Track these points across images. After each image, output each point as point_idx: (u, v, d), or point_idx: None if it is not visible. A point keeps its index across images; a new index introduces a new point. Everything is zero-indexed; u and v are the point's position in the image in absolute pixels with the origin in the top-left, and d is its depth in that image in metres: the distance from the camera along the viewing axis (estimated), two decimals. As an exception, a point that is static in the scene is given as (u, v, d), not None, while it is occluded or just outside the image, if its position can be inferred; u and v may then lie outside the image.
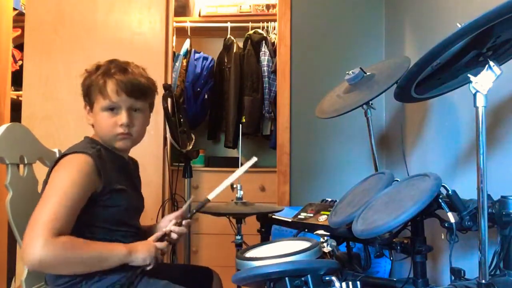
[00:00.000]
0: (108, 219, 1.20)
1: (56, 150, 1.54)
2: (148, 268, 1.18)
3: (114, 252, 1.13)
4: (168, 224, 1.32)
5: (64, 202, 1.08)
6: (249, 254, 1.10)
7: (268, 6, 3.33)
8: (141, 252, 1.17)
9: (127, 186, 1.27)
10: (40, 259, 1.00)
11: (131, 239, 1.24)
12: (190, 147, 1.96)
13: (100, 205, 1.18)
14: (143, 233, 1.35)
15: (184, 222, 1.33)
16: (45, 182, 1.17)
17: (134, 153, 1.37)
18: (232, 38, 3.38)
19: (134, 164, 1.43)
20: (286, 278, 0.94)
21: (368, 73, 1.63)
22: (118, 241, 1.20)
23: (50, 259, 1.02)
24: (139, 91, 1.26)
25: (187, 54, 3.38)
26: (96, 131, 1.28)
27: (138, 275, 1.19)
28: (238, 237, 1.61)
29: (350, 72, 1.64)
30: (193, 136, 2.01)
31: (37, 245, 1.00)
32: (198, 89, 3.38)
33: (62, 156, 1.17)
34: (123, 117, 1.23)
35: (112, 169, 1.22)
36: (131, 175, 1.37)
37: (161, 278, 1.27)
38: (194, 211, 1.38)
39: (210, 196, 1.32)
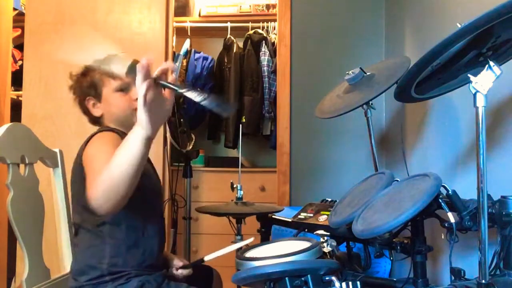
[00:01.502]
0: (136, 200, 1.11)
1: (57, 150, 1.54)
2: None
3: (130, 139, 1.00)
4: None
5: (104, 156, 1.08)
6: (249, 254, 1.11)
7: (268, 6, 3.33)
8: (147, 119, 0.98)
9: (149, 168, 1.36)
10: (98, 206, 0.98)
11: (157, 225, 1.32)
12: (190, 147, 1.97)
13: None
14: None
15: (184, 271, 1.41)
16: (79, 162, 1.22)
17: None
18: (232, 38, 3.39)
19: None
20: (286, 278, 0.94)
21: (368, 73, 1.63)
22: (146, 224, 1.26)
23: (101, 184, 0.97)
24: None
25: (187, 54, 3.38)
26: (110, 115, 1.33)
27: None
28: (238, 237, 1.62)
29: (350, 72, 1.64)
30: (193, 136, 2.01)
31: (93, 190, 0.98)
32: (198, 89, 3.37)
33: (89, 138, 1.24)
34: (135, 91, 1.23)
35: None
36: (149, 160, 1.40)
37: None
38: (189, 265, 1.44)
39: (206, 258, 1.35)
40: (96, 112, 1.35)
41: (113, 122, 1.34)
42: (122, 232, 1.24)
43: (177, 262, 1.43)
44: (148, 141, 0.99)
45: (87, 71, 1.35)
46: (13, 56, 2.84)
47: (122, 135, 1.26)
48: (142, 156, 0.99)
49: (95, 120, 1.38)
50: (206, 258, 1.33)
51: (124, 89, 1.32)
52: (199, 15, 3.39)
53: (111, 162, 0.99)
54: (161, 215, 1.41)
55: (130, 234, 1.24)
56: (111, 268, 1.21)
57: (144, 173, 1.25)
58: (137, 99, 1.07)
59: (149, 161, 1.43)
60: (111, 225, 1.23)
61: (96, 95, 1.34)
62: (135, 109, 1.16)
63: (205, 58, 3.43)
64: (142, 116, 0.97)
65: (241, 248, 1.39)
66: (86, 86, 1.34)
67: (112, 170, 0.98)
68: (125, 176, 0.98)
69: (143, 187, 1.19)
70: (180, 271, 1.40)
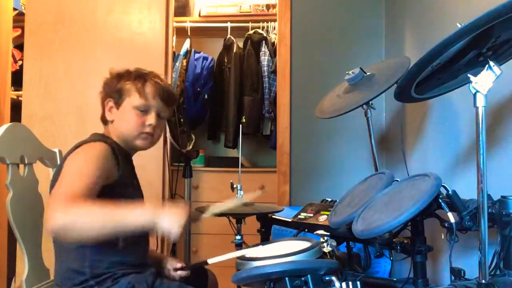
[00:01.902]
0: (114, 198, 1.12)
1: (56, 150, 1.53)
2: (172, 238, 1.04)
3: (134, 214, 1.03)
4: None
5: (84, 179, 1.07)
6: (249, 254, 1.10)
7: (268, 6, 3.33)
8: (165, 220, 1.02)
9: (134, 185, 1.34)
10: (63, 222, 0.97)
11: (141, 239, 1.28)
12: (190, 147, 1.96)
13: (116, 194, 1.16)
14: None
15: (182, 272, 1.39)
16: (60, 167, 1.18)
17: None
18: (232, 38, 3.38)
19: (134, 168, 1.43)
20: (286, 278, 0.94)
21: (368, 73, 1.63)
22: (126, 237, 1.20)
23: (71, 218, 0.97)
24: (171, 98, 1.36)
25: (187, 54, 3.38)
26: (119, 126, 1.31)
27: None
28: (238, 237, 1.61)
29: (350, 72, 1.64)
30: (193, 136, 2.01)
31: (58, 210, 0.97)
32: (198, 89, 3.38)
33: (78, 145, 1.20)
34: (152, 118, 1.31)
35: (124, 163, 1.25)
36: (135, 175, 1.40)
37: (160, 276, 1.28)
38: (190, 267, 1.42)
39: (210, 261, 1.33)
40: (109, 116, 1.32)
41: (116, 133, 1.31)
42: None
43: (173, 263, 1.40)
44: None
45: (122, 76, 1.33)
46: (13, 56, 2.84)
47: (116, 148, 1.25)
48: (129, 231, 1.03)
49: (104, 121, 1.36)
50: (210, 261, 1.31)
51: (143, 110, 1.30)
52: (199, 15, 3.39)
53: (107, 205, 1.01)
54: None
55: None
56: (95, 271, 1.16)
57: (133, 188, 1.27)
58: (150, 125, 1.29)
59: (132, 174, 1.38)
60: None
61: (117, 101, 1.31)
62: (143, 133, 1.30)
63: (205, 58, 3.43)
64: (168, 222, 1.04)
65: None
66: (114, 88, 1.32)
67: (93, 219, 1.00)
68: (107, 226, 1.02)
69: (133, 200, 1.23)
70: (179, 272, 1.38)
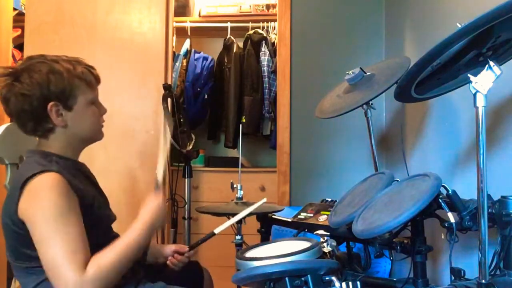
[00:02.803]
0: (95, 239, 1.09)
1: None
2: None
3: (143, 234, 1.13)
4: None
5: (70, 233, 1.01)
6: (249, 254, 1.10)
7: (268, 6, 3.33)
8: (160, 218, 1.19)
9: (94, 193, 1.22)
10: None
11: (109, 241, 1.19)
12: (190, 147, 1.96)
13: (92, 218, 1.12)
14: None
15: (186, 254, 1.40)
16: (13, 213, 1.04)
17: (134, 152, 1.37)
18: (232, 38, 3.38)
19: (84, 165, 1.31)
20: (286, 278, 0.94)
21: (368, 73, 1.63)
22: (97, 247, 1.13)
23: (104, 286, 1.00)
24: (98, 77, 1.24)
25: (187, 54, 3.38)
26: (75, 130, 1.17)
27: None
28: (238, 237, 1.61)
29: (350, 72, 1.64)
30: (193, 136, 2.01)
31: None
32: (198, 89, 3.38)
33: (25, 182, 1.03)
34: (102, 105, 1.25)
35: (76, 177, 1.14)
36: (89, 177, 1.28)
37: (152, 276, 1.28)
38: (199, 242, 1.41)
39: (216, 230, 1.35)
40: (59, 122, 1.13)
41: (67, 139, 1.17)
42: None
43: (170, 249, 1.39)
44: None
45: (60, 72, 1.12)
46: (13, 56, 2.84)
47: (63, 167, 1.10)
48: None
49: (42, 131, 1.14)
50: (216, 231, 1.33)
51: (95, 102, 1.21)
52: (199, 15, 3.39)
53: (116, 257, 1.04)
54: (111, 229, 1.28)
55: None
56: None
57: (97, 201, 1.20)
58: (103, 114, 1.24)
59: (94, 177, 1.31)
60: None
61: (66, 103, 1.13)
62: (102, 124, 1.25)
63: (205, 58, 3.43)
64: (159, 221, 1.17)
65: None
66: (56, 86, 1.11)
67: (118, 268, 1.04)
68: (130, 263, 1.08)
69: (101, 219, 1.21)
70: (182, 258, 1.38)
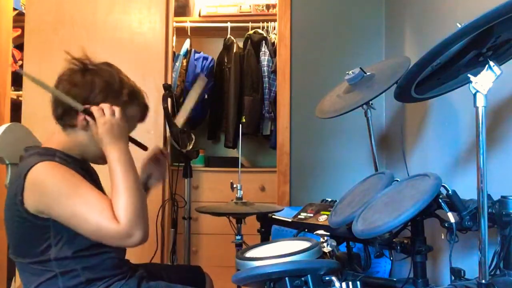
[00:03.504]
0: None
1: (56, 150, 1.53)
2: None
3: (118, 159, 1.10)
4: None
5: (89, 198, 1.03)
6: (249, 254, 1.10)
7: (268, 6, 3.33)
8: (112, 133, 1.12)
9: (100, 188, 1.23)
10: (139, 239, 1.03)
11: (115, 247, 1.17)
12: (190, 147, 1.96)
13: None
14: None
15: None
16: (19, 205, 1.05)
17: (134, 153, 1.37)
18: (232, 38, 3.39)
19: (88, 164, 1.30)
20: (286, 278, 0.94)
21: (368, 73, 1.63)
22: (104, 262, 1.15)
23: (141, 225, 1.03)
24: None
25: (187, 54, 3.38)
26: (93, 143, 1.16)
27: None
28: (238, 237, 1.61)
29: (350, 72, 1.64)
30: (193, 136, 2.00)
31: (130, 234, 1.01)
32: (198, 89, 3.38)
33: (26, 173, 1.04)
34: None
35: (77, 172, 1.12)
36: (92, 175, 1.28)
37: (152, 279, 1.27)
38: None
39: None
40: (81, 125, 1.14)
41: (88, 148, 1.19)
42: (71, 259, 1.10)
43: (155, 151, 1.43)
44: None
45: (122, 92, 1.17)
46: (13, 56, 2.84)
47: (65, 156, 1.13)
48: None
49: (67, 125, 1.17)
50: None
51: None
52: (199, 15, 3.39)
53: (121, 185, 1.05)
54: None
55: (81, 258, 1.11)
56: None
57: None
58: None
59: (93, 177, 1.30)
60: (57, 260, 1.09)
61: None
62: None
63: (205, 58, 3.43)
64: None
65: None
66: (101, 97, 1.14)
67: (130, 190, 1.05)
68: (138, 188, 1.08)
69: None
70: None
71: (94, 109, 1.11)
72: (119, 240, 1.02)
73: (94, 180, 1.26)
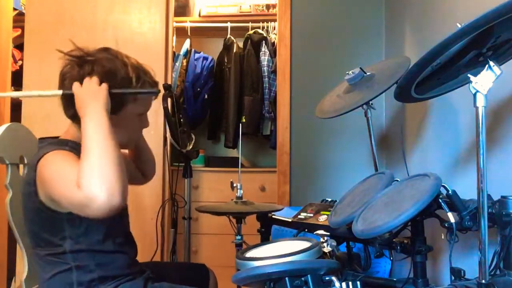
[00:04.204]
0: (105, 229, 1.12)
1: (56, 150, 1.53)
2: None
3: (92, 122, 1.03)
4: None
5: (72, 164, 0.99)
6: (249, 254, 1.10)
7: (268, 6, 3.33)
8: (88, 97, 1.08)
9: None
10: (103, 202, 0.91)
11: (123, 237, 1.21)
12: (190, 147, 1.96)
13: None
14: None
15: None
16: (33, 194, 1.07)
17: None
18: (232, 38, 3.39)
19: None
20: (286, 278, 0.94)
21: (368, 73, 1.63)
22: (110, 238, 1.15)
23: (107, 188, 0.92)
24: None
25: (187, 54, 3.38)
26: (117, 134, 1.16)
27: None
28: (238, 237, 1.61)
29: (350, 72, 1.64)
30: (193, 136, 2.00)
31: (93, 198, 0.90)
32: (198, 89, 3.38)
33: (37, 162, 1.06)
34: (147, 121, 1.27)
35: None
36: None
37: (159, 277, 1.28)
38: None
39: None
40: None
41: None
42: (86, 254, 1.12)
43: None
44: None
45: (127, 72, 1.15)
46: (13, 56, 2.84)
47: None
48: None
49: (77, 120, 1.14)
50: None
51: (142, 115, 1.24)
52: (199, 15, 3.39)
53: (86, 146, 0.98)
54: (127, 223, 1.31)
55: (95, 254, 1.13)
56: None
57: None
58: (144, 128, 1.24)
59: None
60: (72, 253, 1.11)
61: (116, 106, 1.13)
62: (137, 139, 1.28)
63: (205, 58, 3.43)
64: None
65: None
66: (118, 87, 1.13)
67: (94, 150, 0.97)
68: (109, 150, 0.98)
69: None
70: None
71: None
72: (81, 206, 0.92)
73: None
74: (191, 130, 2.07)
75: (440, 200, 1.03)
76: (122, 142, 1.20)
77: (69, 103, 1.14)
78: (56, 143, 1.16)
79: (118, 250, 1.18)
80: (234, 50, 3.35)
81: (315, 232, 1.32)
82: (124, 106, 1.17)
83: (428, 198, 0.96)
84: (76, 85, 1.10)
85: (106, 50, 1.19)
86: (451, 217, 1.01)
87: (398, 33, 2.25)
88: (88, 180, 0.91)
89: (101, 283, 1.13)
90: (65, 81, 1.15)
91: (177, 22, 3.12)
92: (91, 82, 1.09)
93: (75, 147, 1.13)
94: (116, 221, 1.18)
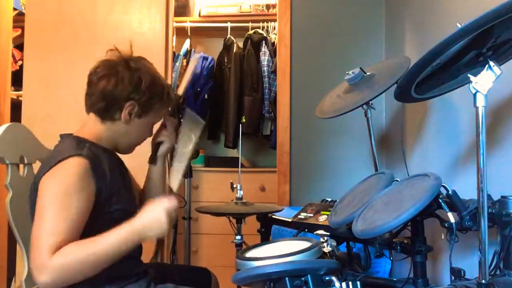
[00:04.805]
0: (104, 226, 1.09)
1: (56, 150, 1.53)
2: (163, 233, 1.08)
3: (125, 240, 1.03)
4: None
5: (63, 215, 1.02)
6: (249, 254, 1.10)
7: (268, 6, 3.33)
8: (154, 228, 1.05)
9: (121, 187, 1.24)
10: (52, 282, 0.97)
11: (136, 254, 1.23)
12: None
13: (105, 212, 1.13)
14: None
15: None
16: (35, 186, 1.10)
17: (134, 153, 1.37)
18: (232, 38, 3.39)
19: (121, 161, 1.37)
20: (286, 278, 0.94)
21: (368, 73, 1.63)
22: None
23: (61, 279, 0.98)
24: None
25: (187, 54, 3.38)
26: (123, 133, 1.23)
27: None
28: (238, 237, 1.61)
29: (350, 72, 1.64)
30: (193, 136, 2.00)
31: (43, 272, 0.96)
32: (198, 89, 3.38)
33: (53, 164, 1.09)
34: (152, 131, 1.32)
35: (106, 163, 1.18)
36: (124, 173, 1.33)
37: (161, 279, 1.27)
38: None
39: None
40: (125, 119, 1.19)
41: (112, 135, 1.23)
42: None
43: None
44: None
45: (159, 93, 1.23)
46: (13, 56, 2.84)
47: (95, 154, 1.15)
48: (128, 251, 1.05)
49: (107, 118, 1.20)
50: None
51: (152, 124, 1.30)
52: (199, 15, 3.39)
53: (92, 251, 1.00)
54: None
55: None
56: None
57: (121, 193, 1.19)
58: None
59: (128, 175, 1.35)
60: None
61: (141, 112, 1.20)
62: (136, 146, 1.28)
63: (205, 58, 3.43)
64: (155, 231, 1.05)
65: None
66: (149, 93, 1.19)
67: (93, 259, 1.00)
68: (104, 265, 1.02)
69: (121, 210, 1.17)
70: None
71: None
72: (32, 268, 0.98)
73: (121, 173, 1.30)
74: (191, 130, 2.07)
75: (440, 200, 1.03)
76: (125, 146, 1.26)
77: (104, 99, 1.18)
78: (75, 144, 1.17)
79: None
80: (234, 50, 3.35)
81: (315, 232, 1.32)
82: (148, 113, 1.23)
83: (428, 198, 0.96)
84: (164, 209, 1.07)
85: (146, 61, 1.26)
86: (451, 217, 1.01)
87: (398, 33, 2.25)
88: (53, 273, 0.96)
89: (107, 283, 1.14)
90: (105, 78, 1.18)
91: (177, 22, 3.11)
92: (171, 214, 1.08)
93: (92, 150, 1.15)
94: (117, 222, 1.18)
